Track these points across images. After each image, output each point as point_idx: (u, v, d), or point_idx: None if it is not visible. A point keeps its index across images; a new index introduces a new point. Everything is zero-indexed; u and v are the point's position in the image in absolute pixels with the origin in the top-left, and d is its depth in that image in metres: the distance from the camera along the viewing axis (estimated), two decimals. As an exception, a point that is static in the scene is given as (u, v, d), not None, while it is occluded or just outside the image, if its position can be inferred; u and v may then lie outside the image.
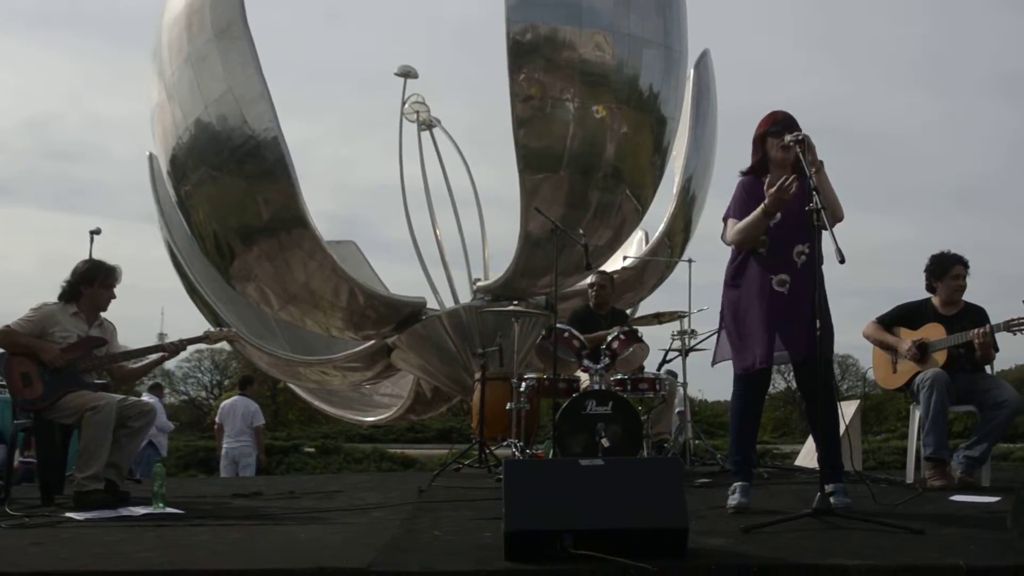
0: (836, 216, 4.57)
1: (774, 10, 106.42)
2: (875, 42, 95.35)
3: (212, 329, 6.58)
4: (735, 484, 4.79)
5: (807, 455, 9.04)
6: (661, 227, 13.40)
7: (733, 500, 4.73)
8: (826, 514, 4.06)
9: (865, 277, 73.23)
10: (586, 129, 10.91)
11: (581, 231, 8.31)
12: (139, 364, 6.43)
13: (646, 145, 11.54)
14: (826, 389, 4.57)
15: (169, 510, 5.12)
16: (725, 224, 4.90)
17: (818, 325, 4.25)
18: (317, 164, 77.66)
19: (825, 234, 4.23)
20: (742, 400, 4.85)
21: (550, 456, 6.90)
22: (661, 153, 11.83)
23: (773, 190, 4.52)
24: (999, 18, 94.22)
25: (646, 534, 3.33)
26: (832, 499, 4.26)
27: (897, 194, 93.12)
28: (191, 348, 7.02)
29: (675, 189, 13.28)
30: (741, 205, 4.81)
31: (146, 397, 10.92)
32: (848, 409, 8.56)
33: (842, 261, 4.11)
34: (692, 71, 13.27)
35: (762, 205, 4.59)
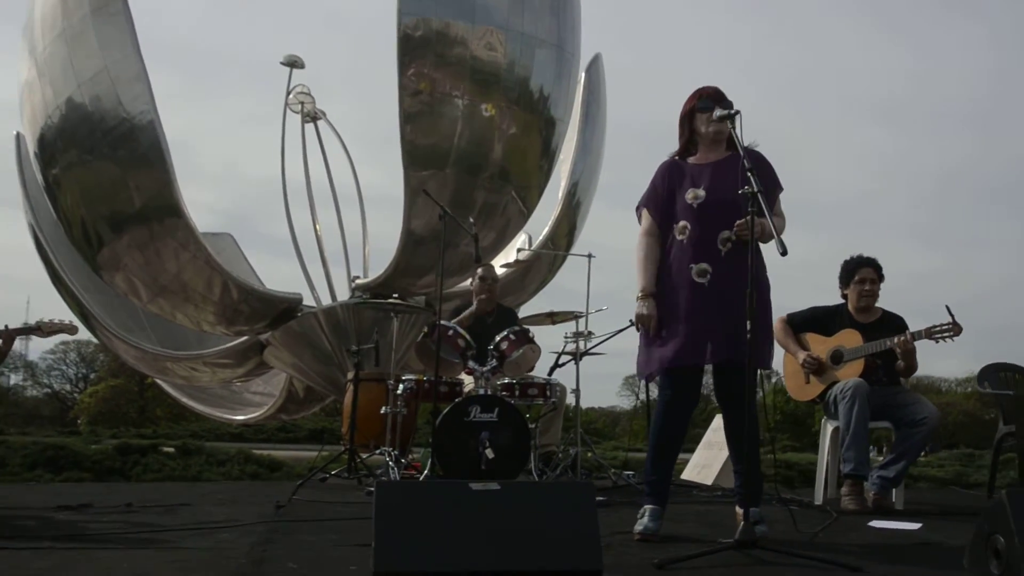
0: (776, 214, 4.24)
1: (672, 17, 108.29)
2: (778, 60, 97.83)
3: (46, 320, 6.01)
4: (646, 507, 4.30)
5: (696, 468, 8.61)
6: (545, 231, 13.34)
7: (640, 526, 4.24)
8: (751, 546, 3.70)
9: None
10: (474, 127, 10.78)
11: (472, 219, 7.85)
12: None
13: (534, 147, 11.46)
14: (751, 402, 4.14)
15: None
16: (638, 213, 4.52)
17: (748, 327, 3.80)
18: (201, 155, 76.03)
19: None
20: (664, 410, 4.37)
21: (427, 465, 6.46)
22: (549, 156, 11.76)
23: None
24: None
25: None
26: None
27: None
28: (56, 338, 6.49)
29: (560, 193, 13.24)
30: (651, 195, 4.47)
31: None
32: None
33: (784, 253, 3.78)
34: (583, 74, 13.24)
35: (640, 290, 4.34)
